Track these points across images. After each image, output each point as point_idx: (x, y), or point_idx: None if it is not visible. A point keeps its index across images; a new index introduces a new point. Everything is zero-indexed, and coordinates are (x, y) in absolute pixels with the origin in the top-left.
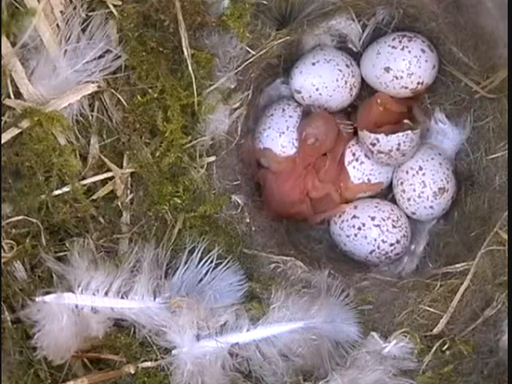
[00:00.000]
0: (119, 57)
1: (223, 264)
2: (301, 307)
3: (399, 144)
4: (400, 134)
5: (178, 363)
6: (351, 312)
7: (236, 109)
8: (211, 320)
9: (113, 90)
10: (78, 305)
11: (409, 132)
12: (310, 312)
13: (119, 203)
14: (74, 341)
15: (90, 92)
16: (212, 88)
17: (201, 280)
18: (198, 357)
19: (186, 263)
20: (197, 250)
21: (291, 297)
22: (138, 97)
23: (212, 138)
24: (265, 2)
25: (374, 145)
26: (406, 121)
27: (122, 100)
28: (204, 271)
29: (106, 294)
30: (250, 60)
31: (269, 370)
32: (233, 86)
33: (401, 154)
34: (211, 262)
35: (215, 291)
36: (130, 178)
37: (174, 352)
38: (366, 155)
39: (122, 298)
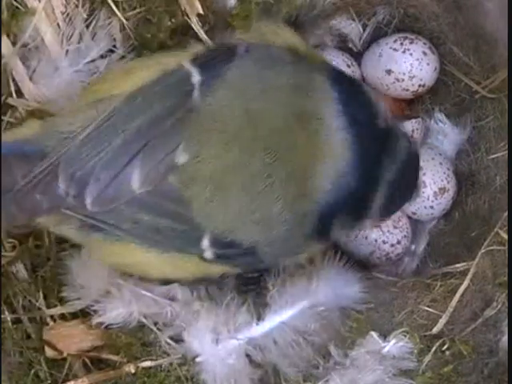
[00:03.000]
0: (123, 57)
1: None
2: (300, 288)
3: (413, 131)
4: (413, 120)
5: (206, 370)
6: (348, 273)
7: None
8: (229, 322)
9: None
10: None
11: (420, 119)
12: (310, 289)
13: None
14: None
15: None
16: None
17: None
18: (223, 359)
19: None
20: None
21: (288, 281)
22: None
23: None
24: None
25: None
26: (407, 112)
27: None
28: None
29: None
30: None
31: (288, 356)
32: None
33: None
34: None
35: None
36: None
37: (197, 360)
38: None
39: None
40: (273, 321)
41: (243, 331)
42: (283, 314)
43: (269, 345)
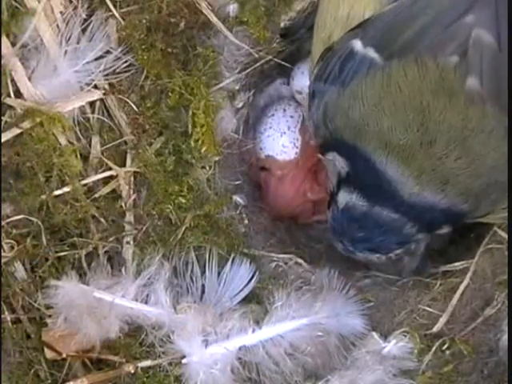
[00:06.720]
0: (119, 58)
1: (228, 265)
2: (303, 304)
3: None
4: None
5: (190, 373)
6: (355, 305)
7: (239, 109)
8: (219, 325)
9: (120, 96)
10: None
11: None
12: (313, 308)
13: (123, 204)
14: None
15: (95, 98)
16: (218, 87)
17: (207, 283)
18: (209, 365)
19: (191, 264)
20: (202, 251)
21: (293, 295)
22: (147, 99)
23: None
24: None
25: None
26: None
27: (131, 103)
28: (209, 273)
29: None
30: (254, 61)
31: (277, 371)
32: (237, 87)
33: None
34: (215, 263)
35: (221, 294)
36: (132, 178)
37: (184, 361)
38: None
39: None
40: (270, 331)
41: (236, 337)
42: (282, 327)
43: (260, 356)
